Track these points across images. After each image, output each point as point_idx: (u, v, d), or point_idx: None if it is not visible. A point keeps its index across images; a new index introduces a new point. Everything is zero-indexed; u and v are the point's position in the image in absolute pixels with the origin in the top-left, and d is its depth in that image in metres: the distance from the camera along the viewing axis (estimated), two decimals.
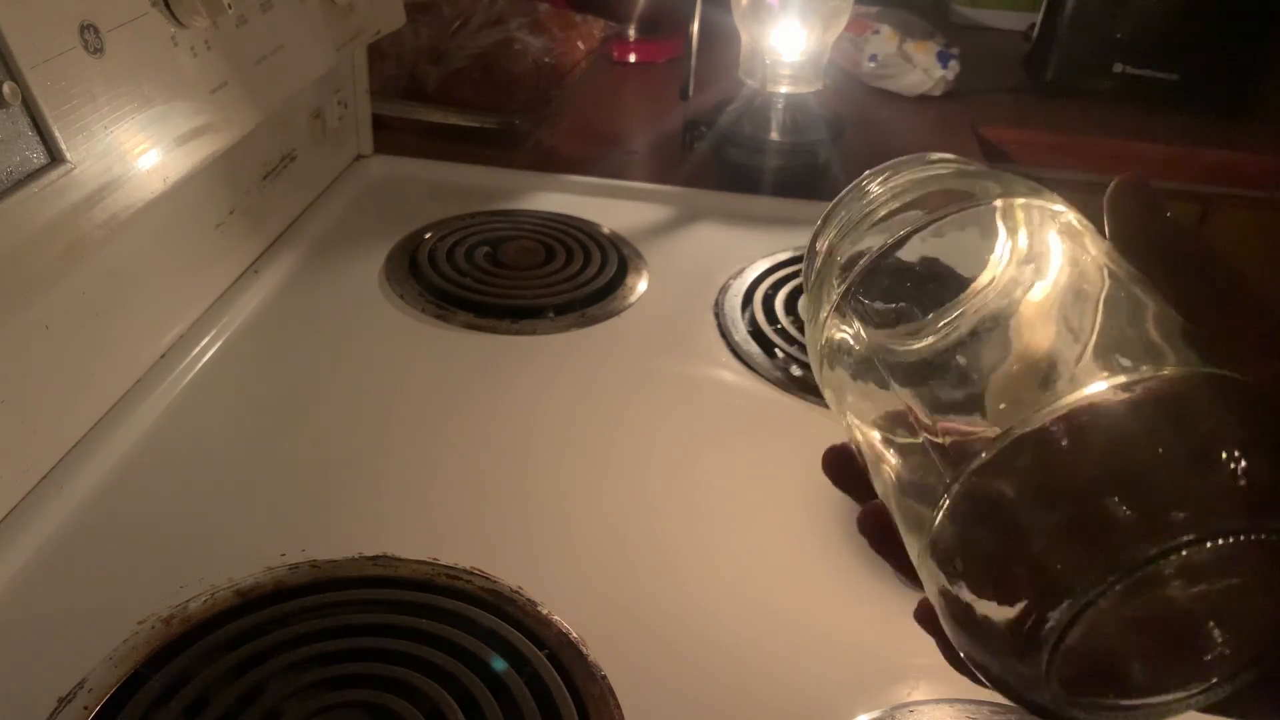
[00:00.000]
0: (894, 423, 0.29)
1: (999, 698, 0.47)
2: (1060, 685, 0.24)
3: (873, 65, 1.22)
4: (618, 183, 0.92)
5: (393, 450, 0.59)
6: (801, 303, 0.30)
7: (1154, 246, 0.29)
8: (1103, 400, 0.23)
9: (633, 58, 1.28)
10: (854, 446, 0.32)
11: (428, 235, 0.80)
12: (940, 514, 0.25)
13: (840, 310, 0.31)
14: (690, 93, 0.97)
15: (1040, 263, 0.29)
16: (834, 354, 0.32)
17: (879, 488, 0.30)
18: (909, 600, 0.30)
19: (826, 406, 0.64)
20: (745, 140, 0.91)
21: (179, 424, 0.59)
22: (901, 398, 0.28)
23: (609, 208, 0.87)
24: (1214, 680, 0.24)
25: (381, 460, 0.58)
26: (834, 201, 0.34)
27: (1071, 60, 1.29)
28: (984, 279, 0.29)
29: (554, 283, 0.75)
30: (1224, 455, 0.22)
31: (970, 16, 1.53)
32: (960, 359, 0.28)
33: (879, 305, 0.31)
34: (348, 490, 0.55)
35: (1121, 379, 0.24)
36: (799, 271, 0.78)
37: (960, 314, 0.29)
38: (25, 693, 0.43)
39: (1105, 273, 0.28)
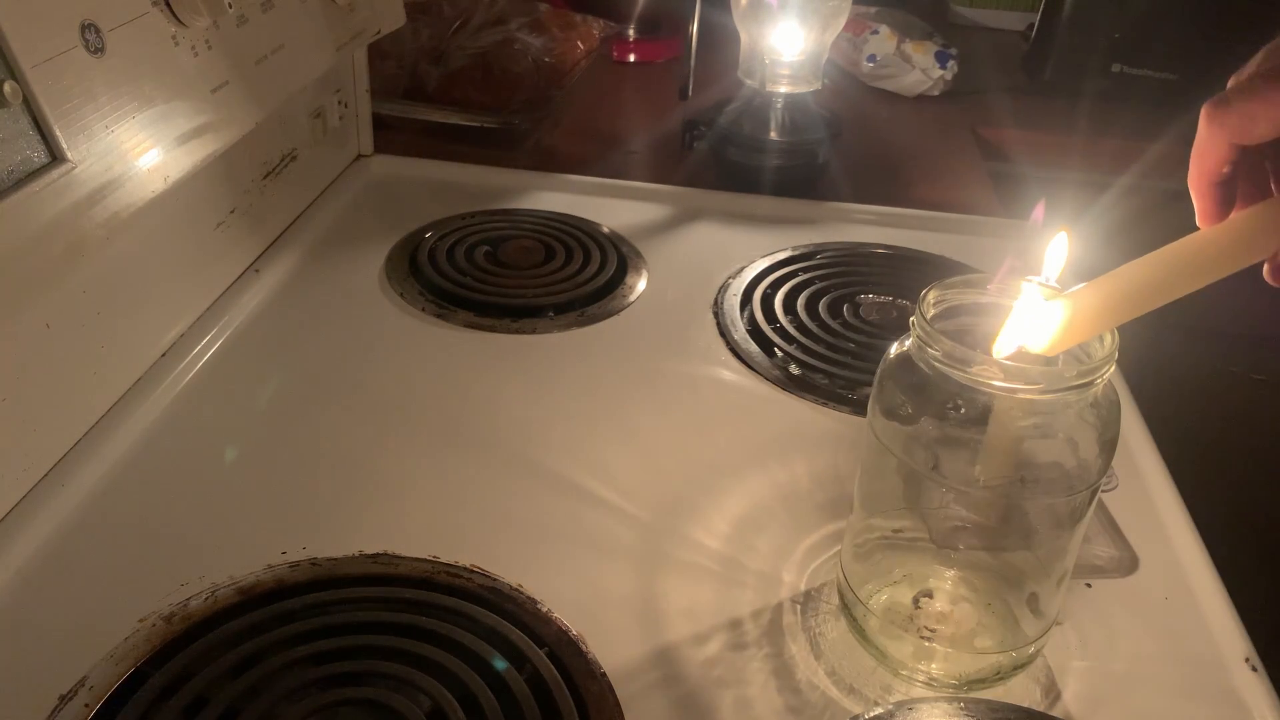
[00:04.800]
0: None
1: (998, 696, 0.48)
2: None
3: (871, 65, 1.22)
4: (617, 182, 0.92)
5: (393, 448, 0.59)
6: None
7: None
8: None
9: (632, 58, 1.28)
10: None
11: (428, 235, 0.81)
12: None
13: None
14: (690, 92, 0.97)
15: None
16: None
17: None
18: None
19: (821, 405, 0.65)
20: (744, 140, 0.91)
21: (180, 422, 0.60)
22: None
23: (609, 207, 0.87)
24: None
25: (382, 458, 0.58)
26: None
27: (1070, 60, 1.29)
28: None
29: (554, 282, 0.75)
30: None
31: (969, 16, 1.53)
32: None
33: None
34: (348, 488, 0.56)
35: None
36: (798, 271, 0.79)
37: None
38: (26, 690, 0.43)
39: None
